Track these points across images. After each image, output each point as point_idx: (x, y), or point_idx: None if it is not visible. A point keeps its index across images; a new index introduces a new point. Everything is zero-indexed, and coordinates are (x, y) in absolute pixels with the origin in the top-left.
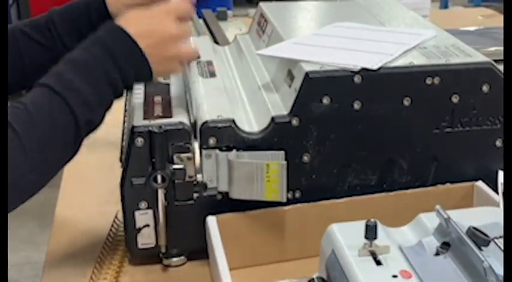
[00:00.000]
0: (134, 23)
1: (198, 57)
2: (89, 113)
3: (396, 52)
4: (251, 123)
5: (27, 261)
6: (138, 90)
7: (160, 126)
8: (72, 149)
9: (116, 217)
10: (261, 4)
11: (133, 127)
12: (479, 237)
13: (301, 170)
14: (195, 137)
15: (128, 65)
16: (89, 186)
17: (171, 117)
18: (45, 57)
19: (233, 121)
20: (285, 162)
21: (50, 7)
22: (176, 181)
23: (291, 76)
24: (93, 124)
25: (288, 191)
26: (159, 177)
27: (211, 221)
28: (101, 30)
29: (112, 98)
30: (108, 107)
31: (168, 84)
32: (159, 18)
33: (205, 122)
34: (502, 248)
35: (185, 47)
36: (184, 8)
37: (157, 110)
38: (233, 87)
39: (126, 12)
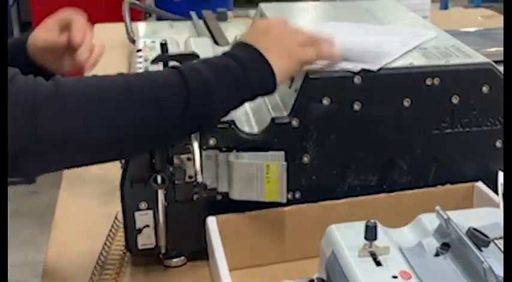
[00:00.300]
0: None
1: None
2: (203, 90)
3: (397, 48)
4: (251, 124)
5: (27, 262)
6: None
7: None
8: (179, 128)
9: (116, 218)
10: (261, 5)
11: None
12: (479, 238)
13: (301, 171)
14: (195, 138)
15: (255, 79)
16: (89, 187)
17: None
18: None
19: (233, 122)
20: (285, 163)
21: (50, 7)
22: (176, 182)
23: (290, 77)
24: (207, 108)
25: (288, 192)
26: (159, 178)
27: (211, 221)
28: (233, 47)
29: (236, 100)
30: (231, 105)
31: None
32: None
33: None
34: (502, 248)
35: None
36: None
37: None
38: None
39: None
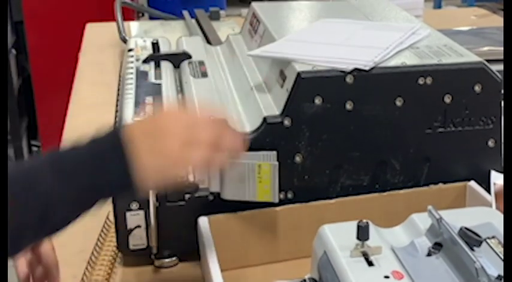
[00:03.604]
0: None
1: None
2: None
3: (390, 45)
4: (243, 124)
5: None
6: (130, 90)
7: None
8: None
9: (107, 218)
10: (253, 4)
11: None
12: (471, 238)
13: (293, 171)
14: None
15: (115, 189)
16: None
17: None
18: None
19: (225, 121)
20: (276, 163)
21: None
22: None
23: (283, 76)
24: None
25: (280, 192)
26: None
27: (203, 221)
28: (105, 141)
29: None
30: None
31: (160, 85)
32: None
33: None
34: (494, 248)
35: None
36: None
37: (149, 110)
38: (225, 87)
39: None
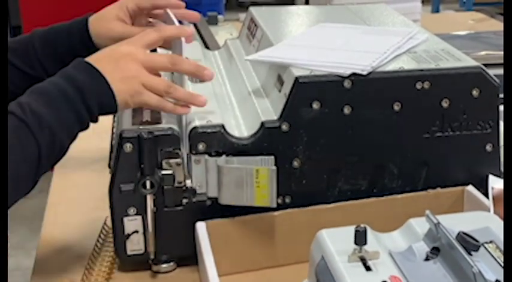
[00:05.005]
0: (102, 60)
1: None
2: (50, 137)
3: (388, 50)
4: (241, 129)
5: (17, 267)
6: None
7: (149, 132)
8: (35, 174)
9: (104, 223)
10: (251, 9)
11: (122, 132)
12: (469, 242)
13: (291, 175)
14: (184, 143)
15: (92, 94)
16: (77, 192)
17: (160, 122)
18: (25, 82)
19: (223, 126)
20: (274, 168)
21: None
22: (165, 187)
23: (280, 81)
24: (55, 148)
25: (278, 197)
26: (147, 183)
27: (201, 227)
28: (69, 65)
29: (76, 124)
30: (74, 136)
31: None
32: (126, 59)
33: (195, 127)
34: (492, 253)
35: (153, 79)
36: (153, 38)
37: (146, 116)
38: (223, 92)
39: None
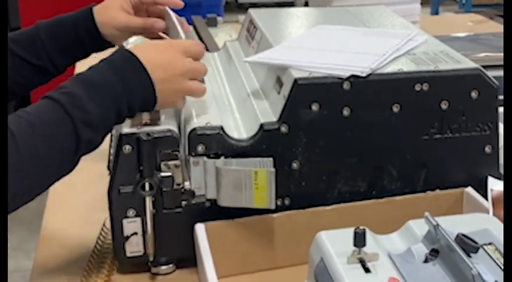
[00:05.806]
0: (150, 54)
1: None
2: (91, 134)
3: (387, 52)
4: (240, 130)
5: (17, 269)
6: None
7: (148, 134)
8: (67, 167)
9: (103, 225)
10: (250, 10)
11: (121, 134)
12: (468, 244)
13: (290, 177)
14: (183, 145)
15: (137, 94)
16: (77, 194)
17: (159, 124)
18: (30, 73)
19: (222, 128)
20: (273, 170)
21: (39, 13)
22: (164, 189)
23: (279, 83)
24: (93, 145)
25: (277, 198)
26: (146, 185)
27: (200, 228)
28: (116, 56)
29: (114, 122)
30: (110, 130)
31: None
32: (174, 54)
33: (194, 129)
34: (491, 255)
35: (194, 84)
36: (197, 49)
37: (145, 117)
38: (222, 93)
39: (141, 43)
